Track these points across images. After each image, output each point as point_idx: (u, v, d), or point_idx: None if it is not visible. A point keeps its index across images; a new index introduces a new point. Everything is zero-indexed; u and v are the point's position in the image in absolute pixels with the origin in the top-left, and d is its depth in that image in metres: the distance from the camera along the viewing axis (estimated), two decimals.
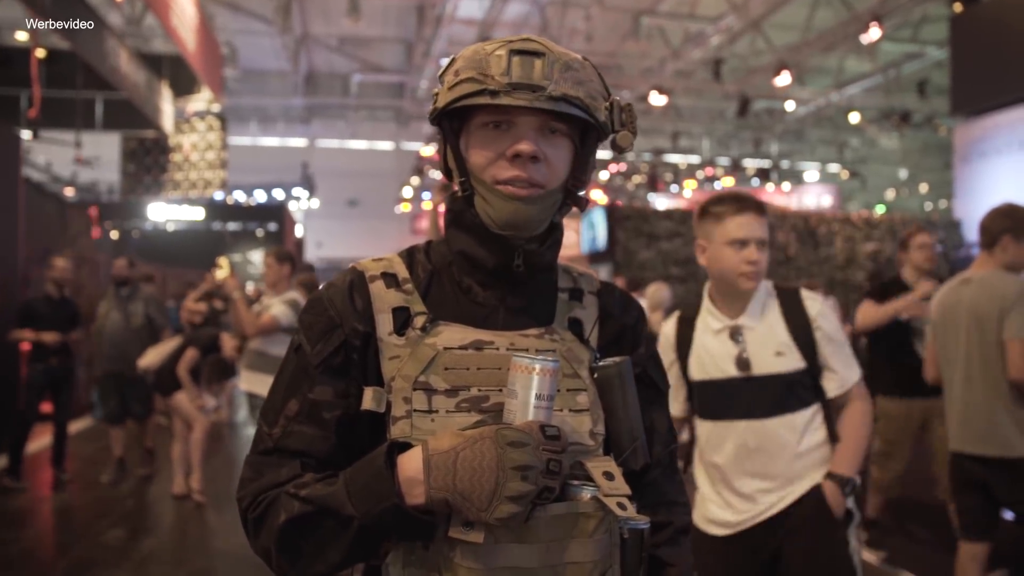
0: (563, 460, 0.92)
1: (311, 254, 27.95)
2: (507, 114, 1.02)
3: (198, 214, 19.68)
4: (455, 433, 0.94)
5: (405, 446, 0.96)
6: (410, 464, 0.93)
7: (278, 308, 4.69)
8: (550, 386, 0.95)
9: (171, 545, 4.73)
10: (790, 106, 18.87)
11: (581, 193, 1.11)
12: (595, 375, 1.08)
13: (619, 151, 1.11)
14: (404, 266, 1.11)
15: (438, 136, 1.12)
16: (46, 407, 6.24)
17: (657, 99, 14.67)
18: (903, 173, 26.41)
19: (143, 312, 6.43)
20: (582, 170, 1.09)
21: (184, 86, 13.20)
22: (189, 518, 5.29)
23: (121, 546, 4.72)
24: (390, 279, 1.09)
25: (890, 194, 27.40)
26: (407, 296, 1.07)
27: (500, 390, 1.01)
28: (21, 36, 12.01)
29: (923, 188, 26.71)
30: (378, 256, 1.14)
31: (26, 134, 10.76)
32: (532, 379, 0.95)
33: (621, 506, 0.96)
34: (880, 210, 24.37)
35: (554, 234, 1.11)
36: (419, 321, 1.05)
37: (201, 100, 14.53)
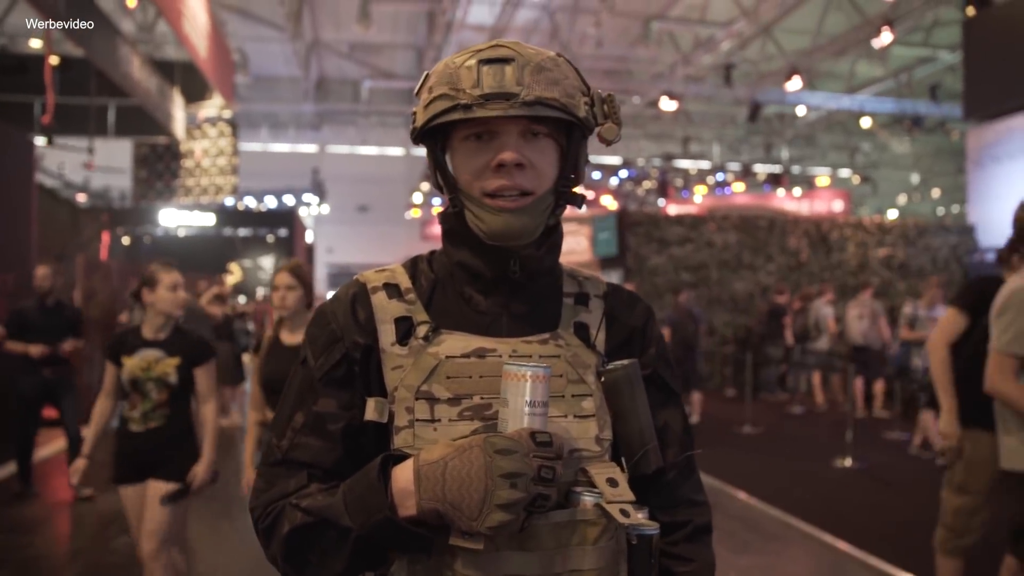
0: (556, 467, 0.90)
1: (321, 260, 28.04)
2: (486, 124, 1.02)
3: (209, 220, 19.79)
4: (446, 443, 0.94)
5: (400, 458, 0.97)
6: (402, 475, 0.94)
7: None
8: (542, 392, 0.95)
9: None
10: (801, 111, 18.79)
11: (577, 191, 1.10)
12: (602, 379, 1.07)
13: (606, 144, 1.10)
14: (407, 276, 1.12)
15: (426, 154, 1.11)
16: (52, 413, 6.15)
17: (667, 104, 14.65)
18: (915, 178, 26.24)
19: None
20: (572, 168, 1.08)
21: (196, 92, 13.27)
22: (201, 525, 5.30)
23: (131, 552, 4.72)
24: (392, 289, 1.09)
25: (902, 199, 27.23)
26: (409, 306, 1.07)
27: None
28: (35, 44, 12.12)
29: (935, 193, 26.53)
30: (382, 266, 1.15)
31: (40, 140, 10.83)
32: (522, 386, 0.94)
33: (624, 513, 0.95)
34: (892, 215, 24.24)
35: (552, 237, 1.10)
36: (422, 330, 1.05)
37: (212, 106, 14.62)
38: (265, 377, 3.31)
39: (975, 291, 3.30)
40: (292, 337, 3.32)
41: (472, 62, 1.01)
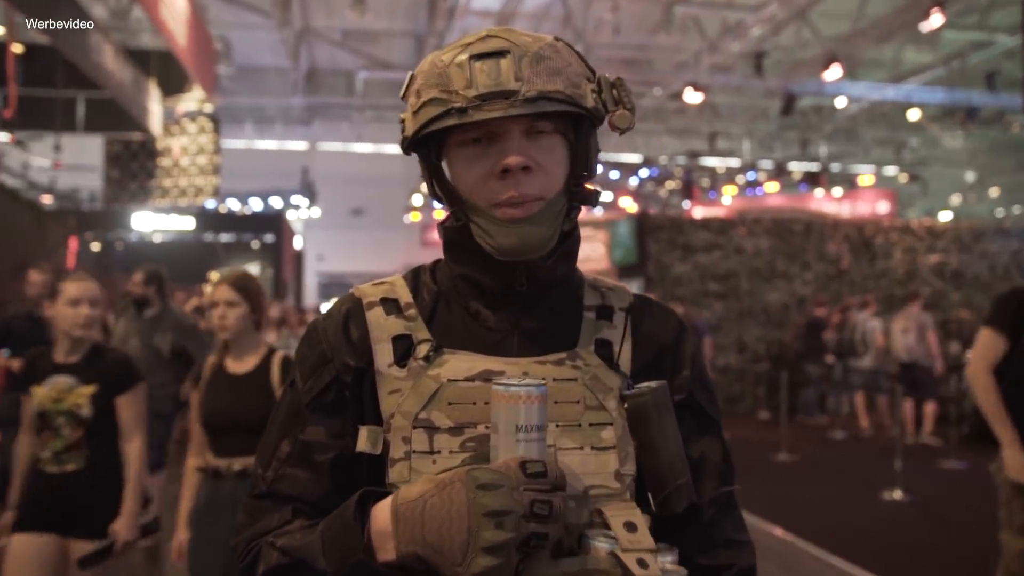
0: (552, 500, 0.87)
1: (311, 268, 28.10)
2: (485, 127, 1.00)
3: (188, 224, 19.84)
4: (428, 478, 0.93)
5: (382, 494, 0.95)
6: (381, 516, 0.92)
7: None
8: (537, 415, 0.92)
9: None
10: (841, 103, 18.75)
11: (590, 187, 1.08)
12: (625, 405, 1.04)
13: (619, 132, 1.08)
14: (407, 289, 1.10)
15: (420, 163, 1.10)
16: None
17: (692, 96, 14.63)
18: (970, 176, 26.13)
19: (169, 346, 5.43)
20: (583, 164, 1.06)
21: (174, 84, 13.34)
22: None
23: None
24: (391, 305, 1.08)
25: (955, 199, 27.12)
26: (409, 323, 1.06)
27: None
28: None
29: (993, 192, 26.40)
30: (380, 277, 1.14)
31: (2, 136, 10.91)
32: (512, 408, 0.92)
33: (642, 564, 0.92)
34: (944, 217, 24.13)
35: (565, 244, 1.08)
36: (422, 350, 1.03)
37: (192, 100, 14.69)
38: (205, 414, 2.99)
39: (1011, 307, 3.25)
40: (238, 365, 3.04)
41: (463, 58, 0.99)
